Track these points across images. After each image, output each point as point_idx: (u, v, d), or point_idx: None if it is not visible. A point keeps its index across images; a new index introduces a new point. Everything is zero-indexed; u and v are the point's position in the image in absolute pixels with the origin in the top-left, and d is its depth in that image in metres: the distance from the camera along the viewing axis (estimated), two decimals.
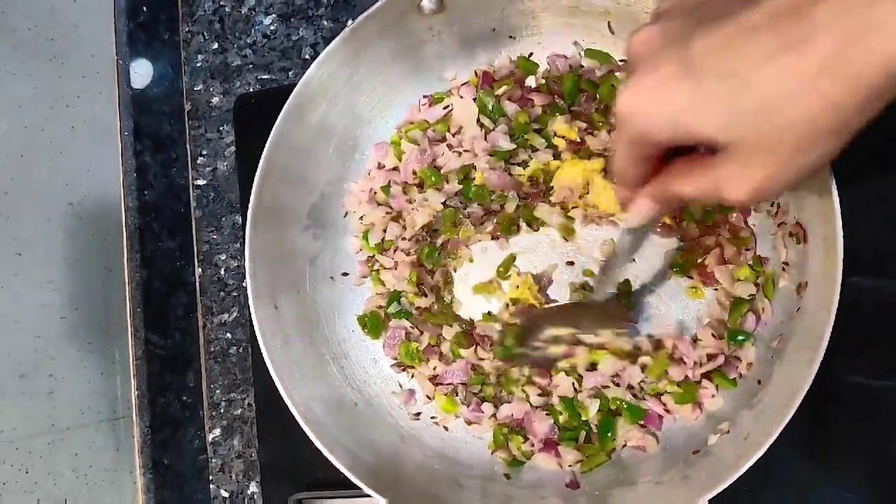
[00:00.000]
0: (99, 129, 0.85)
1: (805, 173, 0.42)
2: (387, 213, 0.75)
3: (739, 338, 0.66)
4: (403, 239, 0.75)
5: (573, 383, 0.69)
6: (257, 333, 0.66)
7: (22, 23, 0.77)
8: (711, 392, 0.67)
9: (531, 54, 0.74)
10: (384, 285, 0.75)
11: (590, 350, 0.67)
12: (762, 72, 0.38)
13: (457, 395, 0.73)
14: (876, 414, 0.69)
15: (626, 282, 0.70)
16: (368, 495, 0.70)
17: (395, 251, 0.75)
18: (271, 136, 0.68)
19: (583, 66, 0.73)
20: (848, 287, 0.56)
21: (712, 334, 0.67)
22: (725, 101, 0.39)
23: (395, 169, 0.76)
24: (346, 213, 0.76)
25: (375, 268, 0.76)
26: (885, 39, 0.35)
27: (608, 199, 0.69)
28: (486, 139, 0.72)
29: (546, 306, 0.71)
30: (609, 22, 0.69)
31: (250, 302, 0.67)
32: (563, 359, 0.68)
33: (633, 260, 0.70)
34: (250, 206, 0.67)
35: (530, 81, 0.74)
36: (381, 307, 0.75)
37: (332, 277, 0.76)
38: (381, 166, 0.76)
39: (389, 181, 0.76)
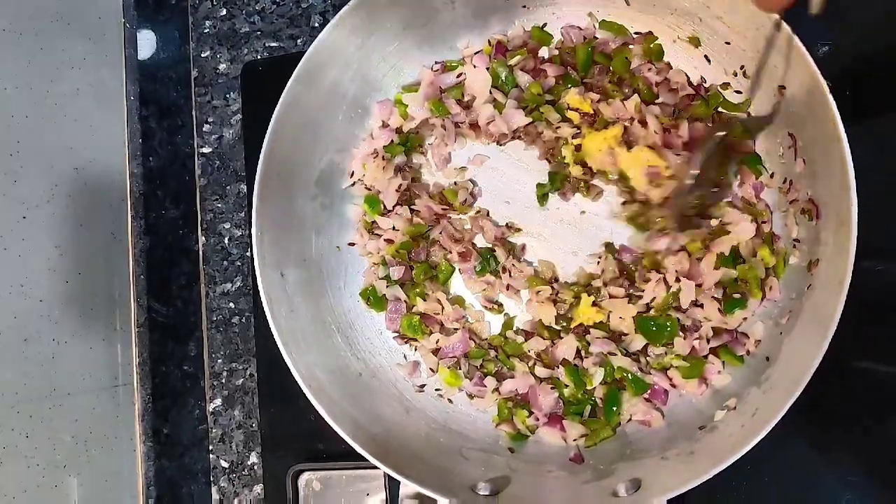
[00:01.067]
0: (104, 94, 0.84)
1: None
2: (392, 175, 0.74)
3: (736, 309, 0.66)
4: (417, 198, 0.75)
5: (578, 348, 0.69)
6: (263, 300, 0.65)
7: None
8: (718, 368, 0.66)
9: (545, 25, 0.73)
10: (377, 254, 0.75)
11: None
12: None
13: (460, 369, 0.72)
14: (882, 398, 0.69)
15: None
16: (368, 467, 0.70)
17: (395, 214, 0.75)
18: (281, 99, 0.67)
19: (597, 38, 0.72)
20: (857, 272, 0.55)
21: (718, 309, 0.67)
22: None
23: (399, 130, 0.75)
24: (354, 183, 0.76)
25: (376, 232, 0.76)
26: None
27: (636, 172, 0.68)
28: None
29: None
30: None
31: (256, 268, 0.66)
32: None
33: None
34: (258, 171, 0.67)
35: (543, 52, 0.73)
36: (380, 279, 0.75)
37: (338, 247, 0.75)
38: (385, 125, 0.76)
39: (392, 140, 0.75)
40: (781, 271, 0.65)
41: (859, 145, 0.56)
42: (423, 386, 0.73)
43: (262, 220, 0.67)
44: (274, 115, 0.67)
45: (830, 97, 0.56)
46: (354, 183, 0.75)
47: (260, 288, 0.66)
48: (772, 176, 0.67)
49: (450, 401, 0.73)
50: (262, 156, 0.67)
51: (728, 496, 0.70)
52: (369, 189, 0.75)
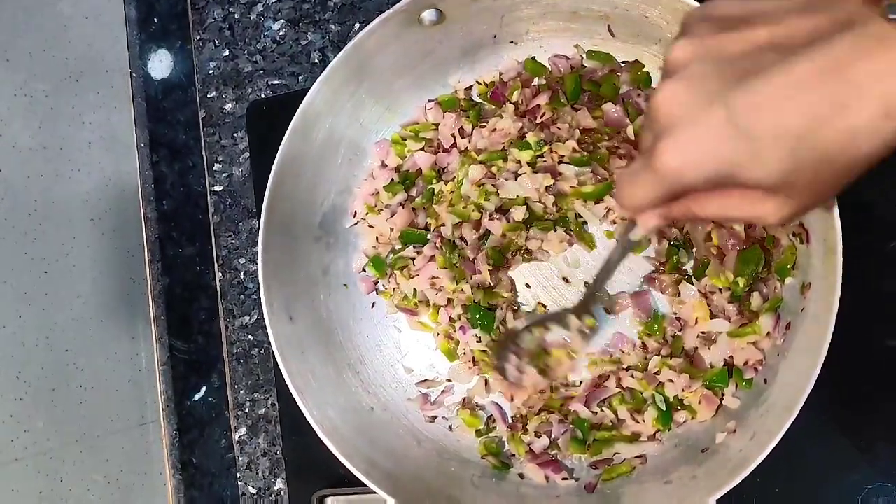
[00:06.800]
0: (116, 143, 0.87)
1: (831, 196, 0.45)
2: (392, 214, 0.76)
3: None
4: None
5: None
6: (273, 347, 0.68)
7: (37, 45, 0.79)
8: (731, 391, 0.67)
9: (533, 58, 0.74)
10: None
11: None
12: (818, 133, 0.39)
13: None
14: None
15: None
16: None
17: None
18: (278, 155, 0.69)
19: (584, 67, 0.73)
20: (887, 253, 0.56)
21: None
22: (785, 157, 0.40)
23: (398, 168, 0.77)
24: (358, 222, 0.78)
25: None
26: None
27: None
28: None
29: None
30: (609, 25, 0.69)
31: (265, 316, 0.69)
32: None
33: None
34: (261, 223, 0.69)
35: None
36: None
37: (345, 285, 0.78)
38: (384, 165, 0.77)
39: (392, 179, 0.77)
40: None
41: None
42: (434, 417, 0.75)
43: (269, 268, 0.69)
44: (273, 168, 0.69)
45: None
46: (357, 222, 0.78)
47: (269, 334, 0.68)
48: None
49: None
50: (264, 207, 0.69)
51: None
52: (372, 227, 0.77)
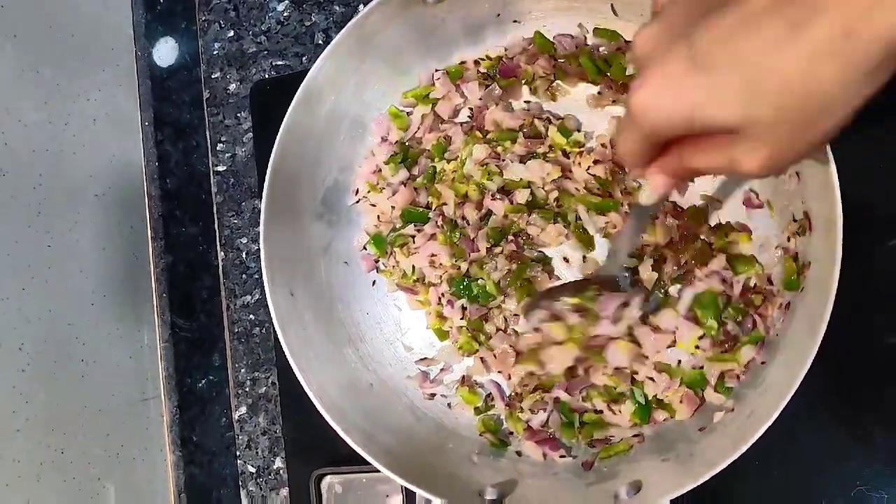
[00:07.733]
0: (120, 121, 0.88)
1: (814, 146, 0.42)
2: (393, 192, 0.76)
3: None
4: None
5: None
6: (274, 322, 0.68)
7: (44, 22, 0.79)
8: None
9: (541, 34, 0.74)
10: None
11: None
12: (774, 56, 0.38)
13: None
14: None
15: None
16: None
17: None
18: (281, 131, 0.69)
19: (588, 45, 0.73)
20: (887, 250, 0.55)
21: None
22: (742, 89, 0.39)
23: (400, 142, 0.77)
24: (359, 200, 0.78)
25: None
26: (886, 15, 0.36)
27: None
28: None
29: (553, 284, 0.73)
30: (612, 4, 0.69)
31: (266, 291, 0.69)
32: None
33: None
34: (263, 199, 0.69)
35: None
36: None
37: (346, 262, 0.78)
38: (384, 140, 0.77)
39: (392, 153, 0.76)
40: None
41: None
42: (433, 395, 0.76)
43: (270, 244, 0.70)
44: (275, 145, 0.69)
45: None
46: (359, 200, 0.78)
47: (271, 310, 0.69)
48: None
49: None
50: (266, 183, 0.69)
51: (737, 486, 0.71)
52: (374, 205, 0.77)
